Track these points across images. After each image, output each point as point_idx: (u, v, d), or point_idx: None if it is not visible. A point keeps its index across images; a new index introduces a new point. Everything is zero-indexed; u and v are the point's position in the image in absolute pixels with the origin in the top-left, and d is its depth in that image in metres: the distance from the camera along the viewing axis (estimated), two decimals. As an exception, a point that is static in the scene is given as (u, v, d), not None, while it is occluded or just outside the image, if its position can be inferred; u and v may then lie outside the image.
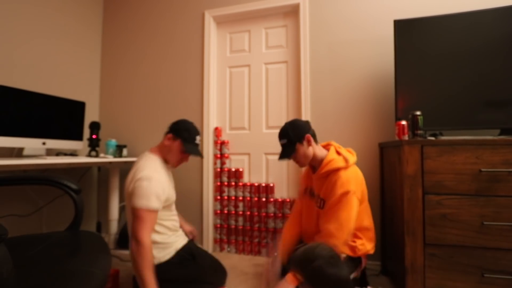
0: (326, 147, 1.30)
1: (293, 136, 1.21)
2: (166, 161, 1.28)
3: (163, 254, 1.20)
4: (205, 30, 2.02)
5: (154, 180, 1.11)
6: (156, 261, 1.17)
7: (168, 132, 1.27)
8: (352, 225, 1.11)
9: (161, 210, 1.19)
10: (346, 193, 1.10)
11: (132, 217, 1.09)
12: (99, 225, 2.17)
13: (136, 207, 1.08)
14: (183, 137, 1.24)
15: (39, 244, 0.83)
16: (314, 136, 1.24)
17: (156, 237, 1.19)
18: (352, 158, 1.20)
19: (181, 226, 1.39)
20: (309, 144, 1.21)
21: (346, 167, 1.16)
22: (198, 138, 1.29)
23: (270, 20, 1.98)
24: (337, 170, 1.16)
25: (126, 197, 1.17)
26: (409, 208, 1.20)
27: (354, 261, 1.22)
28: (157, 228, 1.20)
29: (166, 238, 1.22)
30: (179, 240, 1.29)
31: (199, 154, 1.27)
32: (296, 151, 1.21)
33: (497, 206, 1.12)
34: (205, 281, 1.24)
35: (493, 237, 1.12)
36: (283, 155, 1.23)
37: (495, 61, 1.33)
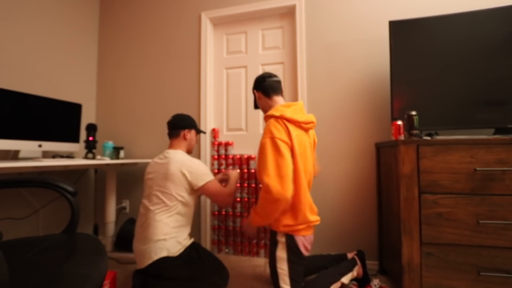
0: None
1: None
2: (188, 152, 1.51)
3: (175, 251, 1.24)
4: (201, 32, 2.02)
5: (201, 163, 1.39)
6: (165, 253, 1.21)
7: (182, 128, 1.46)
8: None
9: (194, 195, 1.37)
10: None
11: (209, 195, 1.34)
12: (96, 227, 2.16)
13: (206, 183, 1.31)
14: (194, 126, 1.52)
15: (35, 247, 0.83)
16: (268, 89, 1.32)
17: (177, 218, 1.29)
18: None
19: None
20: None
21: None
22: None
23: (266, 21, 1.98)
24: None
25: (165, 174, 1.30)
26: (405, 208, 1.21)
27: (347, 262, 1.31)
28: (181, 210, 1.30)
29: (183, 223, 1.31)
30: (188, 237, 1.36)
31: (204, 131, 1.70)
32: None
33: (492, 205, 1.13)
34: (208, 281, 1.27)
35: (489, 236, 1.13)
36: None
37: (490, 61, 1.34)
